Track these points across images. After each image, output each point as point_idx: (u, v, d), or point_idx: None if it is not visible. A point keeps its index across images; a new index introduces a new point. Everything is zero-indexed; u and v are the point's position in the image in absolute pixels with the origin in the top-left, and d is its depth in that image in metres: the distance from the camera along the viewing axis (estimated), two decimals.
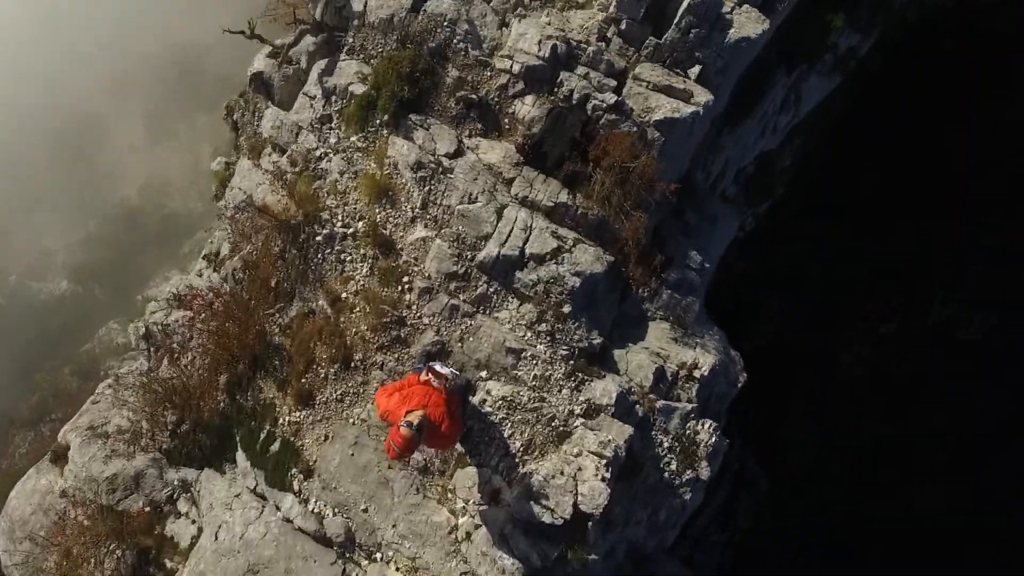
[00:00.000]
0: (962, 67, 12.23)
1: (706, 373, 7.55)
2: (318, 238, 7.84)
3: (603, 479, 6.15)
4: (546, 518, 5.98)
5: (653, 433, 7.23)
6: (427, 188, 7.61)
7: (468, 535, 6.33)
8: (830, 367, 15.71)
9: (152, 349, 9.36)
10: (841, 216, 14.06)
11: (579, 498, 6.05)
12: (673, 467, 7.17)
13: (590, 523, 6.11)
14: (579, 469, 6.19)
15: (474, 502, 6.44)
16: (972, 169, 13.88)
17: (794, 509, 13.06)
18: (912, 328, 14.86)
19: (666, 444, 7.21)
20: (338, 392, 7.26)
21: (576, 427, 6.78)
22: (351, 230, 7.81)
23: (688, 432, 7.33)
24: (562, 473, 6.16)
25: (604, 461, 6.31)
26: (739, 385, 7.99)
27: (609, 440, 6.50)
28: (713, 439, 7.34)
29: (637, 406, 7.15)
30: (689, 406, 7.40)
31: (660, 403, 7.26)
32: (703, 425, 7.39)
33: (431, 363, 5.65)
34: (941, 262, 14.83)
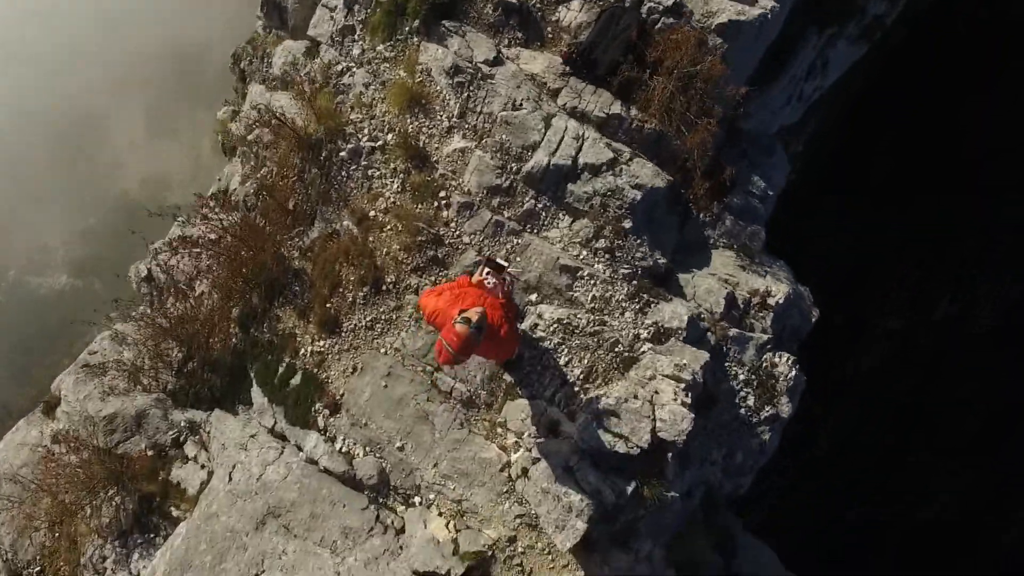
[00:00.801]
0: (979, 47, 11.66)
1: (781, 301, 6.66)
2: (342, 154, 6.94)
3: (683, 404, 5.25)
4: (619, 447, 5.07)
5: (727, 365, 6.33)
6: (465, 95, 6.70)
7: (524, 472, 5.41)
8: (863, 335, 15.00)
9: (155, 293, 8.42)
10: (858, 193, 13.45)
11: (657, 424, 5.14)
12: (750, 403, 6.27)
13: (670, 455, 5.21)
14: (656, 392, 5.28)
15: (529, 435, 5.53)
16: (986, 151, 13.26)
17: (828, 477, 12.19)
18: (918, 322, 14.26)
19: (742, 377, 6.31)
20: (368, 318, 6.34)
21: (644, 352, 5.88)
22: (379, 143, 6.91)
23: (765, 365, 6.44)
24: (636, 397, 5.25)
25: (683, 385, 5.41)
26: (813, 320, 7.08)
27: (684, 364, 5.60)
28: (793, 373, 6.44)
29: (709, 333, 6.26)
30: (764, 336, 6.50)
31: (733, 331, 6.36)
32: (780, 358, 6.49)
33: (490, 258, 4.73)
34: (967, 233, 14.16)
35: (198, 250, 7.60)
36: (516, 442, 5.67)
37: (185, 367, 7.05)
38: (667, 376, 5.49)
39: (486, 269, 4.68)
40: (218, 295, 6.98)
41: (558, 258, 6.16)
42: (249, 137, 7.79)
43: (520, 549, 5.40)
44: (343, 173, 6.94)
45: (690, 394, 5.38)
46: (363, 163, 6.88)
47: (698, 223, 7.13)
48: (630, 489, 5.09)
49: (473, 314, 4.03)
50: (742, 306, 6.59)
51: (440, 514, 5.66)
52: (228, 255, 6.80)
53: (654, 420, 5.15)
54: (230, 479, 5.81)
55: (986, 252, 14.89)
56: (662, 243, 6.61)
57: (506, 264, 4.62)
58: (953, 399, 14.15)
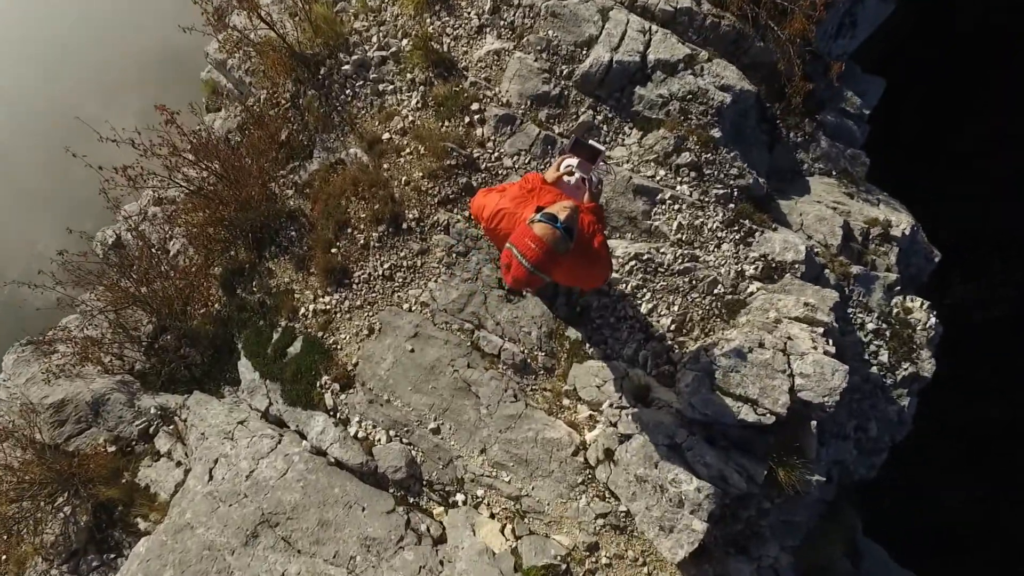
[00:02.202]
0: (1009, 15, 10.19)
1: (907, 231, 5.19)
2: (345, 67, 5.47)
3: (826, 353, 3.77)
4: (746, 414, 3.58)
5: (850, 311, 4.85)
6: None
7: (608, 454, 3.92)
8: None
9: (124, 261, 6.94)
10: (892, 148, 11.97)
11: (797, 381, 3.66)
12: (884, 359, 4.79)
13: (813, 423, 3.72)
14: (788, 339, 3.80)
15: (612, 404, 4.06)
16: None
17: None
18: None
19: (870, 326, 4.83)
20: (386, 266, 4.86)
21: (752, 293, 4.41)
22: (392, 51, 5.44)
23: (896, 311, 4.96)
24: (763, 345, 3.77)
25: (820, 330, 3.92)
26: (936, 260, 5.60)
27: (814, 304, 4.12)
28: (931, 321, 4.96)
29: (826, 270, 4.79)
30: (891, 276, 5.03)
31: (855, 268, 4.89)
32: (914, 302, 5.01)
33: (579, 139, 3.22)
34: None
35: (173, 206, 6.14)
36: (591, 416, 4.18)
37: (157, 342, 5.57)
38: (796, 319, 4.01)
39: (568, 158, 3.20)
40: (194, 250, 5.50)
41: (630, 178, 4.70)
42: (230, 63, 6.31)
43: (605, 559, 3.92)
44: (347, 92, 5.48)
45: (831, 340, 3.91)
46: (371, 77, 5.42)
47: (788, 145, 5.69)
48: (763, 473, 3.60)
49: (560, 210, 2.56)
50: (860, 238, 5.12)
51: (493, 516, 4.18)
52: (207, 200, 5.33)
53: (791, 376, 3.67)
54: (210, 478, 4.32)
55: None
56: (754, 163, 5.17)
57: (602, 148, 3.13)
58: None
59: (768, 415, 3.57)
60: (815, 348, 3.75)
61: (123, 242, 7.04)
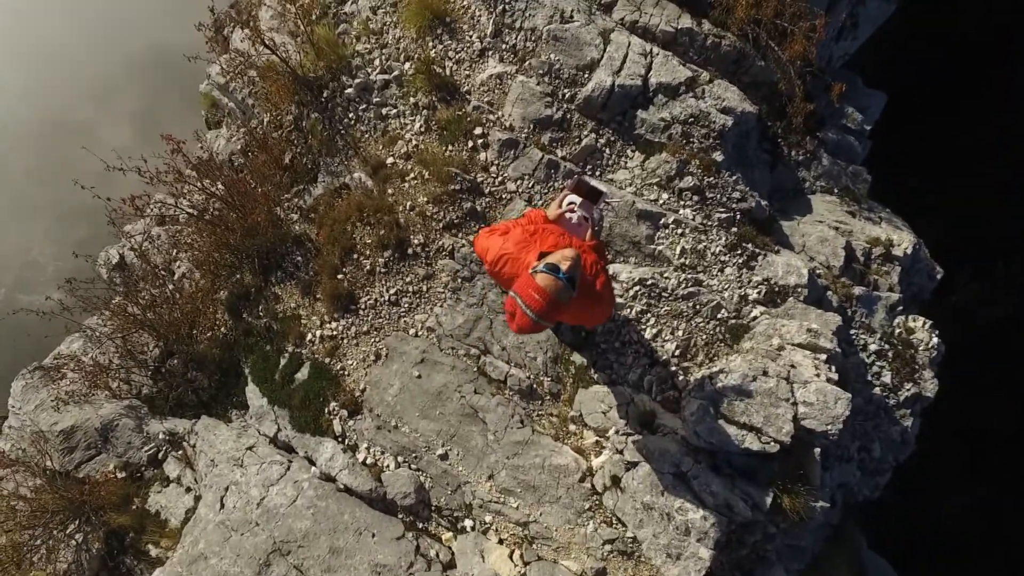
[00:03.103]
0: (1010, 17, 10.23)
1: (908, 251, 5.29)
2: (348, 91, 5.57)
3: (829, 380, 3.87)
4: (751, 443, 3.69)
5: (853, 332, 4.96)
6: (500, 8, 5.34)
7: (615, 481, 4.03)
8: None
9: (129, 281, 7.05)
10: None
11: (800, 410, 3.77)
12: (887, 380, 4.90)
13: (817, 451, 3.83)
14: (792, 367, 3.91)
15: (619, 431, 4.16)
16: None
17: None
18: None
19: (872, 347, 4.93)
20: (391, 291, 4.96)
21: (756, 318, 4.51)
22: (394, 74, 5.54)
23: (899, 331, 5.06)
24: (766, 373, 3.87)
25: (823, 356, 4.03)
26: (938, 278, 5.70)
27: (816, 330, 4.23)
28: (934, 341, 5.07)
29: (829, 292, 4.90)
30: (893, 296, 5.13)
31: (858, 290, 4.99)
32: (916, 322, 5.12)
33: (581, 179, 3.32)
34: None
35: (178, 227, 6.24)
36: (597, 441, 4.29)
37: (164, 366, 5.67)
38: (799, 345, 4.11)
39: (570, 197, 3.30)
40: (200, 274, 5.60)
41: (633, 203, 4.80)
42: (232, 86, 6.41)
43: None
44: (350, 115, 5.58)
45: (834, 367, 4.01)
46: (375, 100, 5.52)
47: (790, 164, 5.79)
48: (768, 500, 3.71)
49: (562, 260, 2.65)
50: (862, 258, 5.23)
51: (501, 541, 4.29)
52: (212, 236, 5.43)
53: (795, 404, 3.78)
54: (222, 506, 4.43)
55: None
56: (756, 185, 5.27)
57: (604, 189, 3.22)
58: None
59: (772, 443, 3.68)
60: (818, 376, 3.85)
61: (127, 262, 7.14)
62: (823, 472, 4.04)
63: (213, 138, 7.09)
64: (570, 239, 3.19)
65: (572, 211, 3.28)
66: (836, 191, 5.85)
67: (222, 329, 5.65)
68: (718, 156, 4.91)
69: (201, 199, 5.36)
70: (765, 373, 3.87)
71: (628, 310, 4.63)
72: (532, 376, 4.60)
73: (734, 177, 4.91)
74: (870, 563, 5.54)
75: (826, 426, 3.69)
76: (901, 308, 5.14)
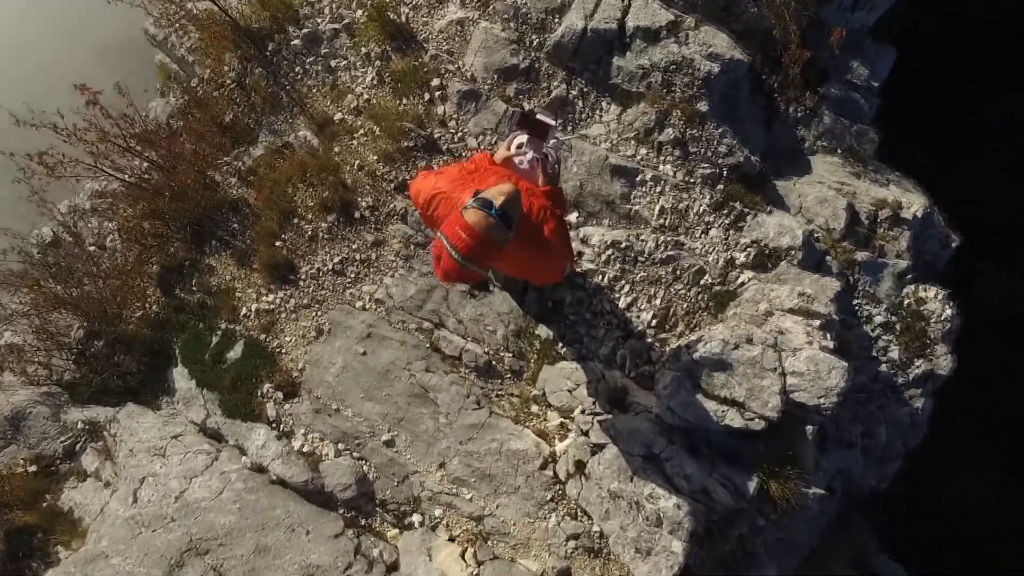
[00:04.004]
0: None
1: (919, 214, 4.96)
2: (294, 42, 5.28)
3: (823, 348, 3.55)
4: (732, 419, 3.36)
5: (856, 302, 4.63)
6: None
7: (580, 467, 3.69)
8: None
9: (63, 262, 6.74)
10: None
11: (789, 381, 3.44)
12: (894, 355, 4.56)
13: (809, 429, 3.50)
14: (780, 333, 3.58)
15: (584, 411, 3.84)
16: None
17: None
18: None
19: (878, 319, 4.60)
20: (336, 259, 4.65)
21: (744, 284, 4.20)
22: (345, 22, 5.26)
23: (907, 302, 4.73)
24: (751, 341, 3.55)
25: (817, 322, 3.71)
26: (953, 247, 5.37)
27: (810, 294, 3.91)
28: (947, 312, 4.73)
29: (828, 257, 4.58)
30: (902, 263, 4.80)
31: (861, 255, 4.67)
32: (928, 291, 4.79)
33: (526, 112, 3.01)
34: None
35: (103, 196, 5.95)
36: (562, 423, 3.96)
37: (88, 348, 5.34)
38: (790, 311, 3.79)
39: (519, 133, 2.98)
40: (127, 246, 5.30)
41: (606, 158, 4.49)
42: (170, 41, 6.12)
43: None
44: (296, 69, 5.29)
45: (829, 335, 3.69)
46: (323, 52, 5.23)
47: (788, 121, 5.48)
48: (752, 485, 3.38)
49: (496, 195, 2.34)
50: (866, 221, 4.91)
51: (452, 539, 3.94)
52: (139, 190, 5.12)
53: (783, 375, 3.45)
54: (134, 499, 4.10)
55: None
56: (747, 141, 4.97)
57: (553, 122, 2.91)
58: None
59: (757, 420, 3.35)
60: (810, 343, 3.53)
61: (61, 240, 6.84)
62: (818, 455, 3.71)
63: (155, 106, 6.79)
64: (520, 181, 2.88)
65: (524, 150, 2.96)
66: (839, 151, 5.53)
67: (153, 307, 5.32)
68: (703, 106, 4.60)
69: (127, 162, 5.06)
70: (749, 340, 3.55)
71: (600, 276, 4.31)
72: (491, 352, 4.27)
73: (720, 130, 4.60)
74: (881, 566, 5.19)
75: (819, 399, 3.36)
76: (911, 277, 4.81)
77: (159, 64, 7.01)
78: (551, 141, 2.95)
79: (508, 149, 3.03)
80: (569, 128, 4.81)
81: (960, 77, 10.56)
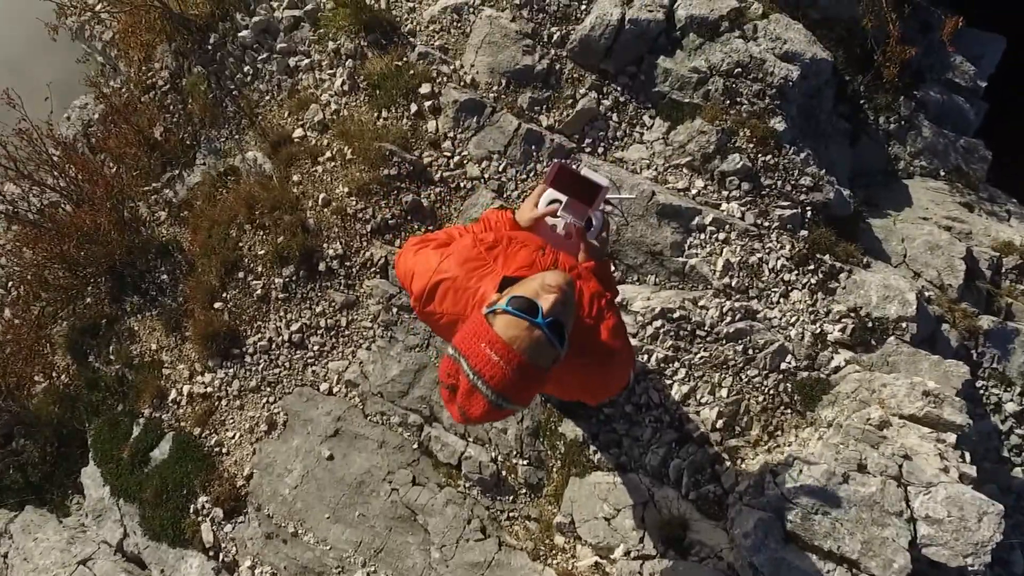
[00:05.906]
0: None
1: None
2: (243, 33, 4.56)
3: (964, 478, 2.87)
4: None
5: (980, 383, 3.96)
6: None
7: None
8: None
9: None
10: None
11: (920, 530, 2.77)
12: None
13: None
14: (904, 457, 2.90)
15: (630, 552, 3.15)
16: None
17: None
18: None
19: (1009, 406, 3.90)
20: (294, 327, 3.94)
21: (838, 369, 3.51)
22: (307, 8, 4.55)
23: None
24: (863, 468, 2.87)
25: (952, 438, 3.02)
26: None
27: (937, 393, 3.22)
28: None
29: (944, 325, 3.90)
30: None
31: (986, 321, 3.99)
32: None
33: (564, 166, 2.29)
34: None
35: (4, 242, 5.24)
36: (597, 564, 3.29)
37: None
38: (911, 419, 3.10)
39: (554, 195, 2.28)
40: (24, 299, 4.60)
41: (652, 194, 3.80)
42: (87, 30, 5.41)
43: None
44: (245, 68, 4.57)
45: (968, 456, 3.01)
46: (279, 47, 4.51)
47: (879, 135, 4.83)
48: None
49: (543, 291, 1.61)
50: (988, 272, 4.23)
51: None
52: (38, 229, 4.42)
53: (912, 521, 2.77)
54: None
55: None
56: (832, 166, 4.29)
57: (604, 182, 2.22)
58: None
59: None
60: (945, 470, 2.84)
61: None
62: None
63: (72, 113, 6.06)
64: (554, 256, 2.18)
65: (561, 213, 2.25)
66: (943, 173, 4.89)
67: (62, 376, 4.62)
68: (778, 124, 3.90)
69: (19, 190, 4.36)
70: (862, 468, 2.85)
71: (646, 356, 3.63)
72: (500, 458, 3.58)
73: (802, 155, 3.91)
74: None
75: (964, 559, 2.68)
76: None
77: (91, 51, 6.29)
78: (600, 205, 2.25)
79: (536, 205, 2.32)
80: (600, 151, 4.12)
81: None
